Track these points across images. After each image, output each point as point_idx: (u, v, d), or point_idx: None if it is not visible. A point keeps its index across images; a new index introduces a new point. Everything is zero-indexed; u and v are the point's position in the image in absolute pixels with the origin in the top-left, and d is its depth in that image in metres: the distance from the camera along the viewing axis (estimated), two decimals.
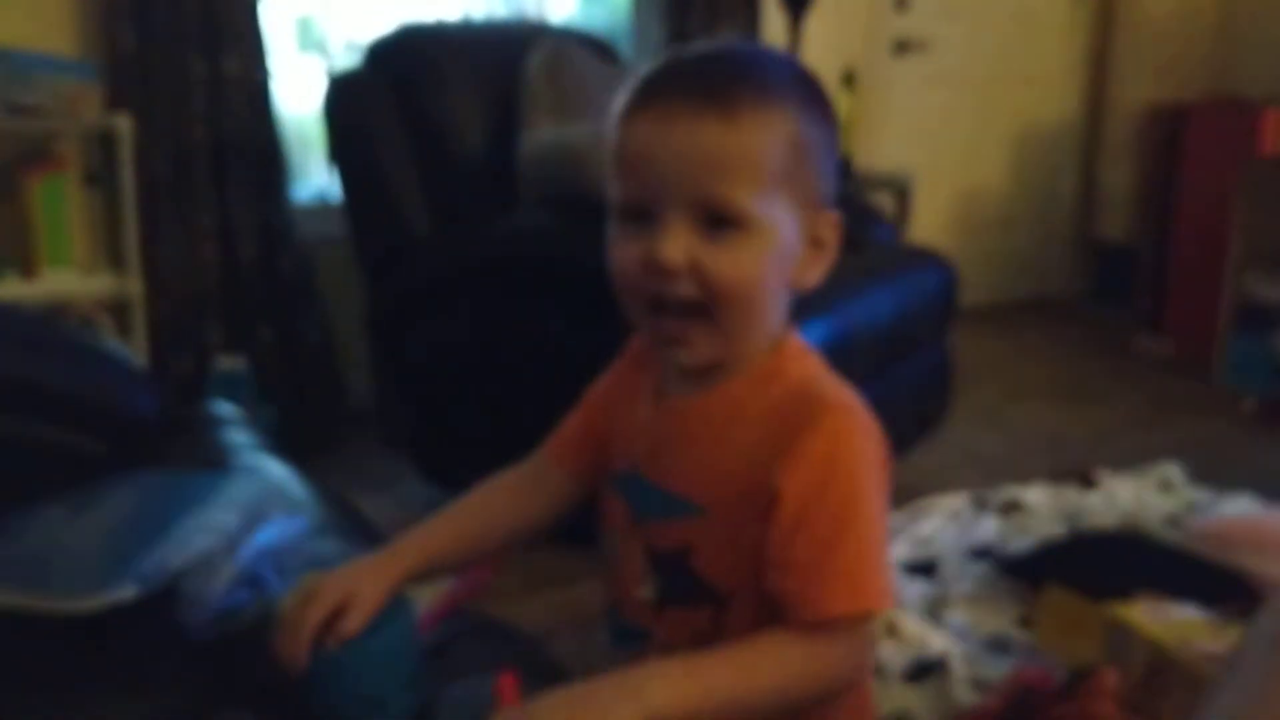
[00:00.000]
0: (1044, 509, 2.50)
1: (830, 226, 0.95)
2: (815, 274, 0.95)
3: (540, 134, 2.69)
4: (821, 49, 3.86)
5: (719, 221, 0.88)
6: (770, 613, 0.89)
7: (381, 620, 0.95)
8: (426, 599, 1.08)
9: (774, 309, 0.94)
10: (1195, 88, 4.38)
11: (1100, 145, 4.74)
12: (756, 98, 0.88)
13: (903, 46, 4.25)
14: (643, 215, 0.90)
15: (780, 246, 0.90)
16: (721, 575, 0.93)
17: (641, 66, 0.95)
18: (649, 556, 0.97)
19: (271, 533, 1.15)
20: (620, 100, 0.93)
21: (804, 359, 0.96)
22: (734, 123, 0.87)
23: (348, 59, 3.23)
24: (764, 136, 0.88)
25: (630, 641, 1.01)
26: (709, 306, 0.90)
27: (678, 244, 0.88)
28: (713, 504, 0.93)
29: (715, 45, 0.95)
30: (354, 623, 0.93)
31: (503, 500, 1.09)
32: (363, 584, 0.95)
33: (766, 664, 0.86)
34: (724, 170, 0.87)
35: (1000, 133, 4.62)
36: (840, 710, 1.00)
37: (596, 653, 1.11)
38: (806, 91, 0.94)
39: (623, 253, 0.91)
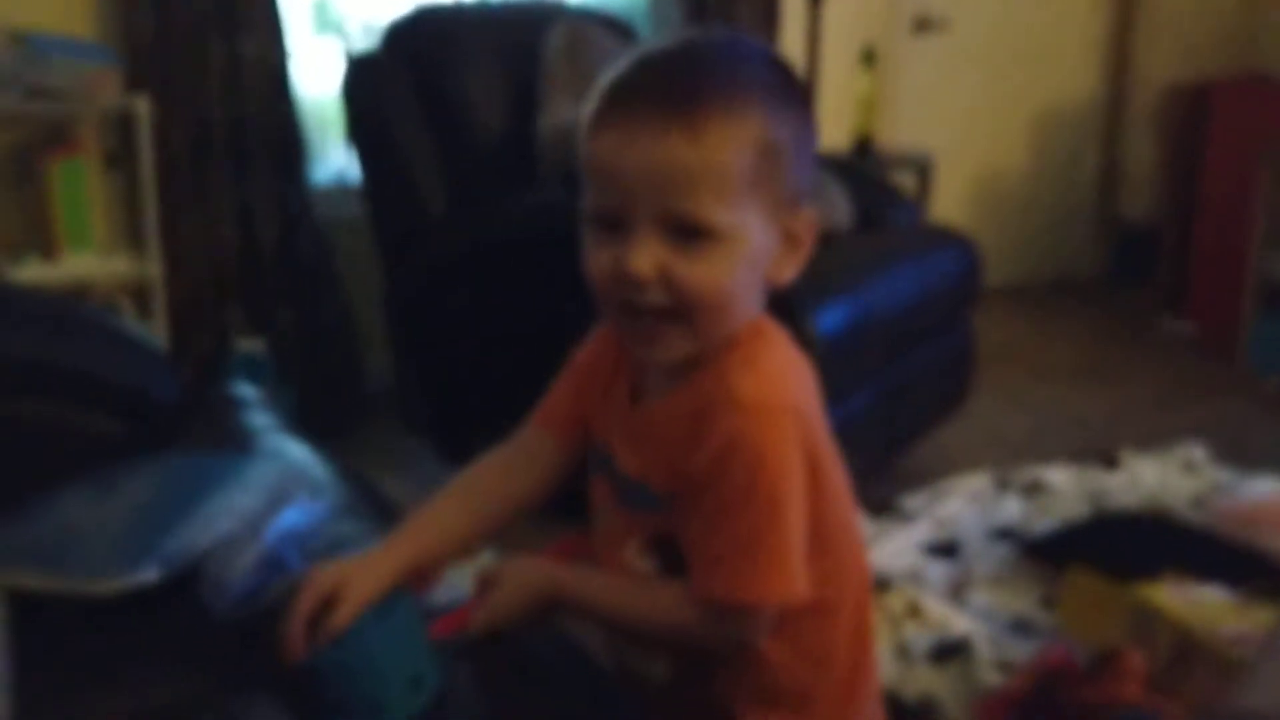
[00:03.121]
0: (1067, 490, 2.49)
1: (805, 224, 0.94)
2: (790, 271, 0.96)
3: (559, 113, 2.67)
4: (841, 27, 3.84)
5: (688, 232, 0.88)
6: None
7: (376, 619, 0.92)
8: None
9: (746, 308, 0.94)
10: (1219, 65, 4.33)
11: (1123, 124, 4.70)
12: (723, 107, 0.87)
13: (923, 24, 4.22)
14: (614, 224, 0.90)
15: (751, 252, 0.91)
16: None
17: (609, 68, 0.92)
18: (642, 539, 0.99)
19: (295, 515, 1.15)
20: (588, 107, 0.92)
21: (750, 345, 0.95)
22: (699, 137, 0.86)
23: (365, 41, 3.23)
24: (731, 148, 0.87)
25: None
26: (680, 311, 0.90)
27: (647, 255, 0.88)
28: (670, 496, 0.95)
29: (683, 42, 0.93)
30: (341, 617, 0.91)
31: (495, 479, 1.09)
32: (354, 578, 0.94)
33: (652, 608, 0.97)
34: (690, 185, 0.87)
35: (1021, 111, 4.57)
36: (845, 695, 1.04)
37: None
38: (778, 89, 0.92)
39: (595, 259, 0.92)
